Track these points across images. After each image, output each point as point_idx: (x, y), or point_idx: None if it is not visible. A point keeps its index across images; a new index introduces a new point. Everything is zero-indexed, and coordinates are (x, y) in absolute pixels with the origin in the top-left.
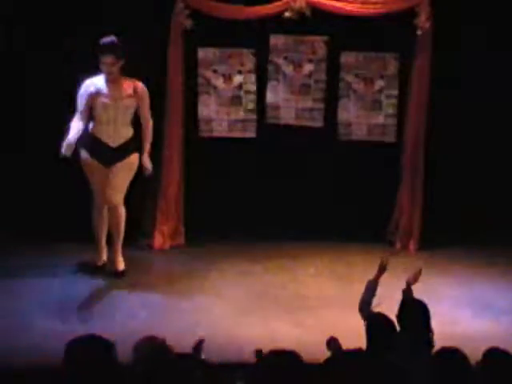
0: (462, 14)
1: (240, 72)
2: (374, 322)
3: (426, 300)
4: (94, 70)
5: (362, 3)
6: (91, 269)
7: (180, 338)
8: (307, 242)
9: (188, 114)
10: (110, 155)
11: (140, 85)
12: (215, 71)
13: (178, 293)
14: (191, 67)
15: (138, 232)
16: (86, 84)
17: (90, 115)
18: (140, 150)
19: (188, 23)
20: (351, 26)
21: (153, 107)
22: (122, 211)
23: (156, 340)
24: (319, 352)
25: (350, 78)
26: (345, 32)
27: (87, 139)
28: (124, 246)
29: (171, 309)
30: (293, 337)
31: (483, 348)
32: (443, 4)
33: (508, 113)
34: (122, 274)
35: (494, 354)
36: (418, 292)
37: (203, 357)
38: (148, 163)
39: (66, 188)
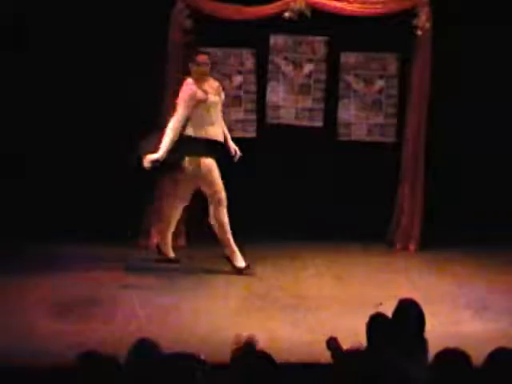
0: (462, 13)
1: (240, 72)
2: (374, 322)
3: (426, 300)
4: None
5: (362, 3)
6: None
7: (180, 338)
8: (307, 242)
9: None
10: (219, 153)
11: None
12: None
13: (177, 293)
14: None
15: (138, 232)
16: (190, 89)
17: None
18: None
19: (188, 23)
20: (351, 26)
21: (153, 107)
22: None
23: (146, 342)
24: (319, 352)
25: (350, 78)
26: (345, 32)
27: (200, 145)
28: (125, 245)
29: (171, 309)
30: (292, 337)
31: (483, 348)
32: (443, 4)
33: (508, 113)
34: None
35: (500, 354)
36: (419, 292)
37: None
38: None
39: (67, 188)
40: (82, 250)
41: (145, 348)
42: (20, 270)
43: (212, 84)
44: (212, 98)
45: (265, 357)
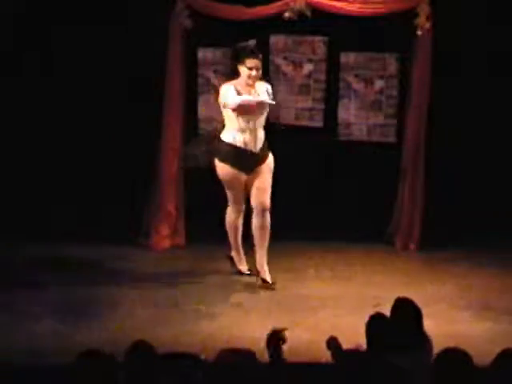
0: (461, 14)
1: None
2: (374, 322)
3: (425, 300)
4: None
5: (362, 3)
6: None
7: (180, 338)
8: (307, 242)
9: (188, 113)
10: (252, 161)
11: (267, 84)
12: (215, 71)
13: (178, 293)
14: (191, 67)
15: (138, 232)
16: (228, 87)
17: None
18: (269, 147)
19: (188, 23)
20: (351, 26)
21: (152, 108)
22: (269, 215)
23: (142, 344)
24: (319, 352)
25: (350, 78)
26: (345, 32)
27: (226, 150)
28: (124, 245)
29: (171, 309)
30: (293, 337)
31: (483, 348)
32: (443, 4)
33: (509, 113)
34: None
35: (506, 355)
36: (418, 293)
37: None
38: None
39: (67, 188)
40: (82, 249)
41: (140, 351)
42: (20, 269)
43: (256, 91)
44: None
45: (249, 356)
